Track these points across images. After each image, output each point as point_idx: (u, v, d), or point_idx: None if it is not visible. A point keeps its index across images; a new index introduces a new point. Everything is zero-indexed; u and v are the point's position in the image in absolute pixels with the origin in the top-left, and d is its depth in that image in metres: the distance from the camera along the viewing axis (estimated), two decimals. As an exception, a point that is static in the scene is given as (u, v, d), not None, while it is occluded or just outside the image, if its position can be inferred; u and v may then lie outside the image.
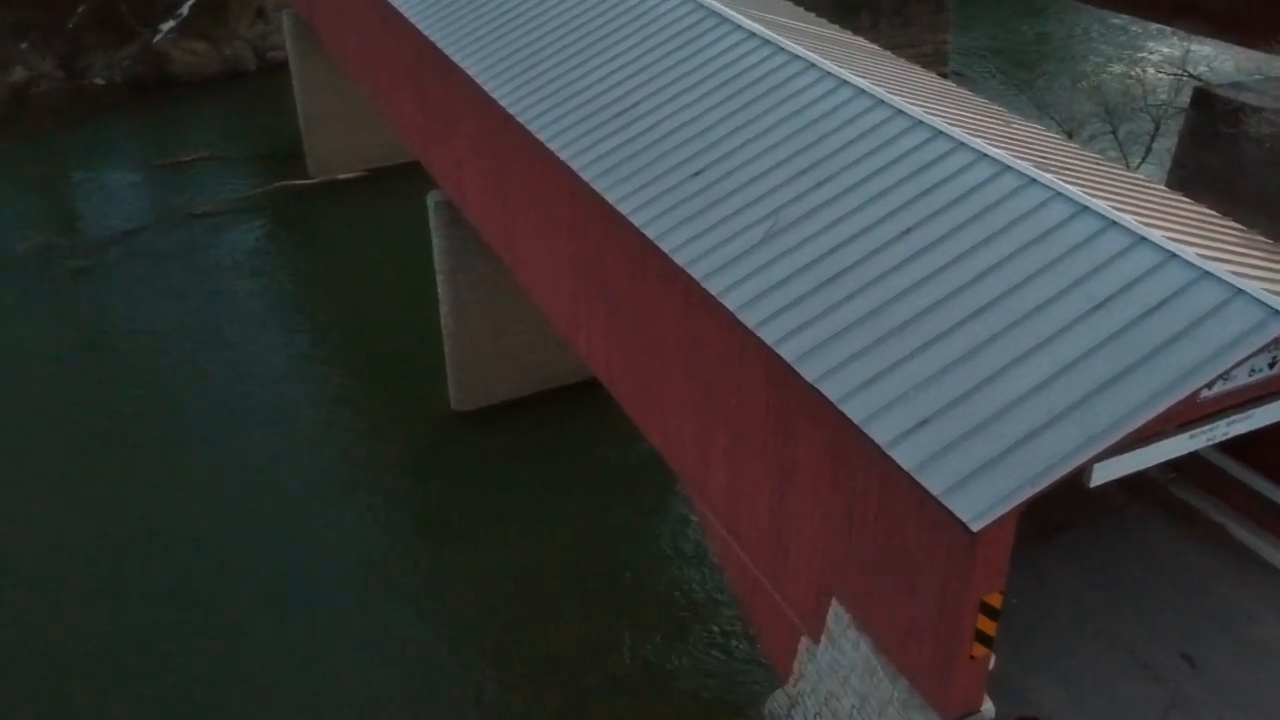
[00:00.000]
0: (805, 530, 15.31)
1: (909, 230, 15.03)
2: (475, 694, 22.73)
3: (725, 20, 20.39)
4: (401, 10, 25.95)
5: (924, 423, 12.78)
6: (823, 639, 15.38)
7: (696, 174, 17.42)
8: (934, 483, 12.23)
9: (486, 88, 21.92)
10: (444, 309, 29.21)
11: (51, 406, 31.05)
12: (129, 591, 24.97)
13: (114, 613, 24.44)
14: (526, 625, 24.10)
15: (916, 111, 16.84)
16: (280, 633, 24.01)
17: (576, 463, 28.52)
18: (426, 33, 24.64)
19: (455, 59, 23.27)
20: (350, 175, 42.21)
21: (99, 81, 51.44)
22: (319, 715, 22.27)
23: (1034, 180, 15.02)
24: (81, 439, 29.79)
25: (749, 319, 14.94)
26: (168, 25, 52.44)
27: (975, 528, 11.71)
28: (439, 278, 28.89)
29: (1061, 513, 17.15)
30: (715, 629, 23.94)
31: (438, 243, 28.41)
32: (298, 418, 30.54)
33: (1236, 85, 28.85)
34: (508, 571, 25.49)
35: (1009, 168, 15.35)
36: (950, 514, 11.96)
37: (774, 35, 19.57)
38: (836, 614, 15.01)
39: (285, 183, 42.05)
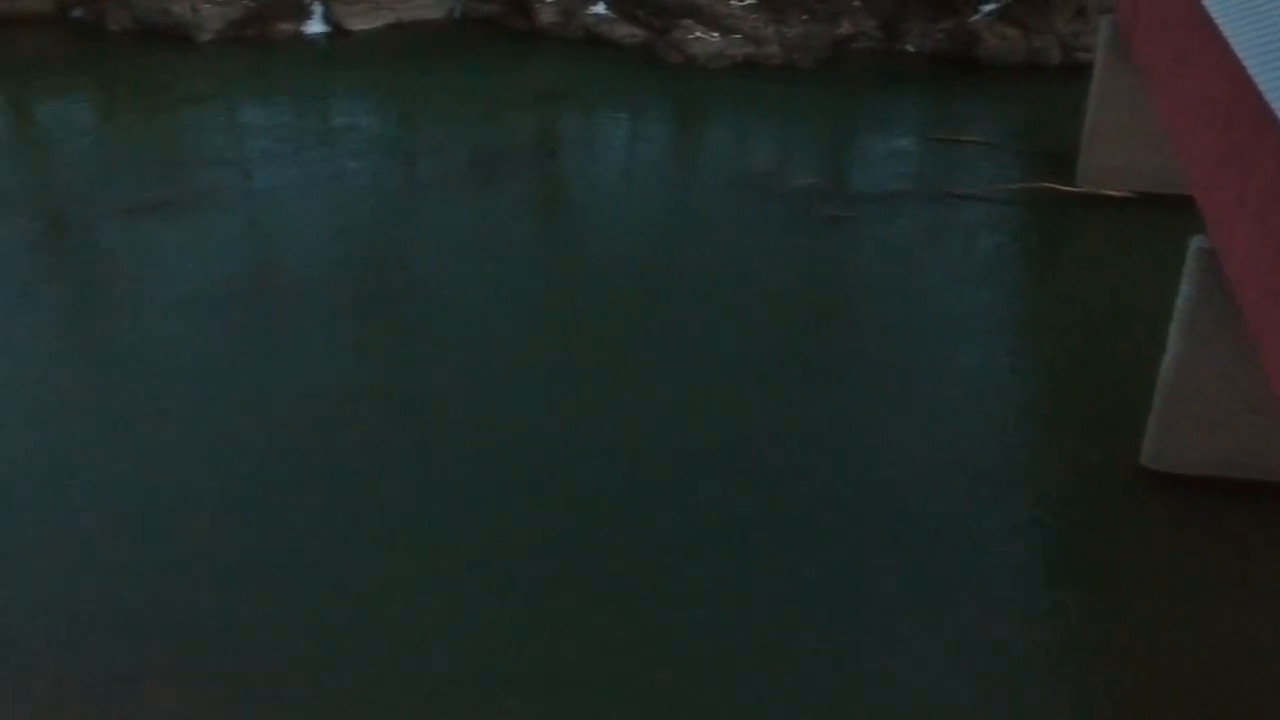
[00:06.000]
0: None
1: None
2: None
3: None
4: (1228, 39, 23.93)
5: None
6: None
7: None
8: None
9: (1299, 143, 19.58)
10: (1168, 359, 27.04)
11: (782, 331, 34.01)
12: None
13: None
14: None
15: None
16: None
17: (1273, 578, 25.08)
18: (1250, 69, 22.50)
19: (1273, 105, 21.02)
20: (1116, 193, 40.37)
21: (909, 48, 54.37)
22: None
23: None
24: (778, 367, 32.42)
25: None
26: (990, 7, 53.70)
27: None
28: (1174, 326, 26.73)
29: None
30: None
31: (1185, 290, 26.24)
32: (985, 414, 30.35)
33: None
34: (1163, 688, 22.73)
35: None
36: None
37: None
38: None
39: (1047, 184, 41.43)
